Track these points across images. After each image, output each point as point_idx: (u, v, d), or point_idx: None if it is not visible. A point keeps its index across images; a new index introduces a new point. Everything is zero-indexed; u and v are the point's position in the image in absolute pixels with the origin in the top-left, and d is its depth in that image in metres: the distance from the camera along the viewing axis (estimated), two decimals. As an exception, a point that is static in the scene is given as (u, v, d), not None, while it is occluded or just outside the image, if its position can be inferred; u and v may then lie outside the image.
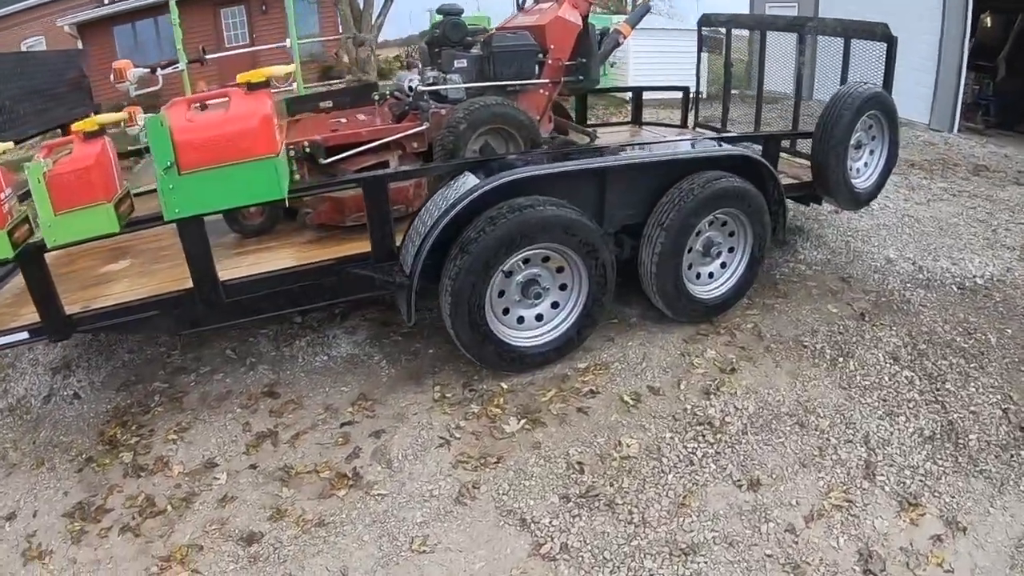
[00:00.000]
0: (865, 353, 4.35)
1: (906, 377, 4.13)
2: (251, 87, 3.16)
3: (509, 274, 3.93)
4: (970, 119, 11.85)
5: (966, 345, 4.43)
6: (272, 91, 3.34)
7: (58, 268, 3.84)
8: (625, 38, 6.43)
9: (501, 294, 3.95)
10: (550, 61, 5.11)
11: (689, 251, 4.45)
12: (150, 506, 3.35)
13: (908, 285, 5.26)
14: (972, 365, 4.23)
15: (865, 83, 5.05)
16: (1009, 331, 4.61)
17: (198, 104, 3.19)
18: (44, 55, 5.95)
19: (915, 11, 11.67)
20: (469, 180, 3.79)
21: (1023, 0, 11.05)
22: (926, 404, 3.92)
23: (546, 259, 4.00)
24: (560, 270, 4.08)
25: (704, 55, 7.33)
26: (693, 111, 7.35)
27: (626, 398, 4.00)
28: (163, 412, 4.05)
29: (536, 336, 4.13)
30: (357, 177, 3.96)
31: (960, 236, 6.38)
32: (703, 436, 3.70)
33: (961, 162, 9.78)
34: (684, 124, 7.41)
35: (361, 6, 16.81)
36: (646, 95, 7.55)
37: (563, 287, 4.14)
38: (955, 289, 5.25)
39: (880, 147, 5.30)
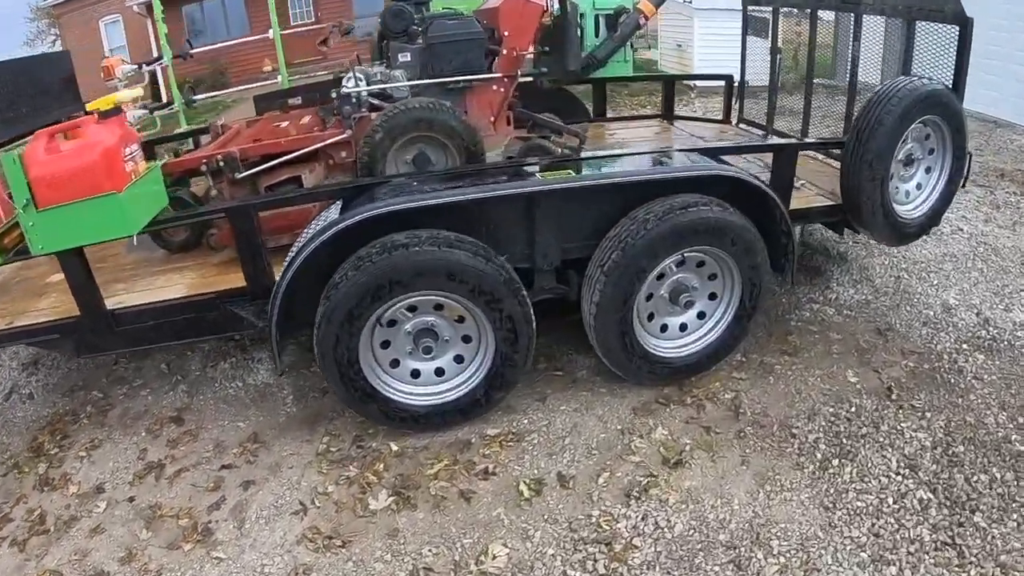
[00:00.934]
0: (873, 455, 3.18)
1: (920, 499, 2.94)
2: (102, 116, 3.07)
3: (393, 323, 3.22)
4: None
5: (1023, 450, 3.22)
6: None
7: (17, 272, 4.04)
8: (647, 19, 5.48)
9: (386, 344, 3.27)
10: (504, 51, 4.20)
11: (649, 298, 3.46)
12: (41, 523, 3.24)
13: (964, 346, 4.00)
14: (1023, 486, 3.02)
15: (921, 78, 3.83)
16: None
17: (62, 133, 3.06)
18: (30, 59, 5.67)
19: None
20: (332, 213, 3.21)
21: None
22: (936, 550, 2.72)
23: (439, 307, 3.24)
24: (460, 320, 3.30)
25: (758, 40, 6.11)
26: (738, 103, 6.21)
27: (524, 487, 3.09)
28: (88, 424, 3.91)
29: (435, 394, 3.39)
30: (221, 207, 3.58)
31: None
32: (592, 562, 2.71)
33: (1062, 173, 8.19)
34: (727, 119, 6.31)
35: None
36: (699, 83, 6.45)
37: (467, 339, 3.36)
38: (1026, 355, 3.99)
39: (940, 163, 4.00)
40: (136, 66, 5.12)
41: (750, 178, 3.39)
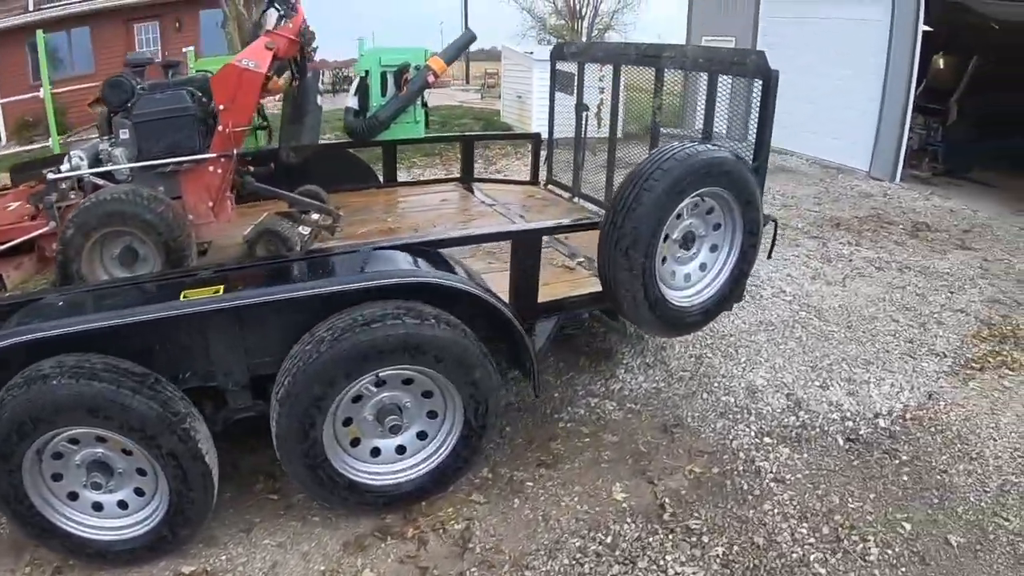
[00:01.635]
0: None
1: None
2: None
3: (60, 455, 2.74)
4: (916, 166, 10.40)
5: (823, 573, 2.67)
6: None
7: None
8: (437, 76, 4.93)
9: (58, 477, 2.79)
10: (219, 127, 3.63)
11: (348, 422, 2.80)
12: None
13: (766, 439, 3.50)
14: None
15: (699, 145, 3.31)
16: (907, 527, 2.89)
17: None
18: None
19: (860, 47, 10.29)
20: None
21: (978, 42, 9.65)
22: None
23: (102, 439, 2.73)
24: (127, 452, 2.76)
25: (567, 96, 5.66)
26: (546, 163, 5.77)
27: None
28: None
29: (118, 529, 2.87)
30: None
31: (874, 337, 4.69)
32: None
33: (898, 219, 8.18)
34: (535, 180, 5.85)
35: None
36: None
37: (141, 472, 2.79)
38: (840, 443, 3.51)
39: (729, 239, 3.44)
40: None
41: (453, 282, 2.80)
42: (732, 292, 3.46)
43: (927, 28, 9.38)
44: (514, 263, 3.02)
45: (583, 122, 5.24)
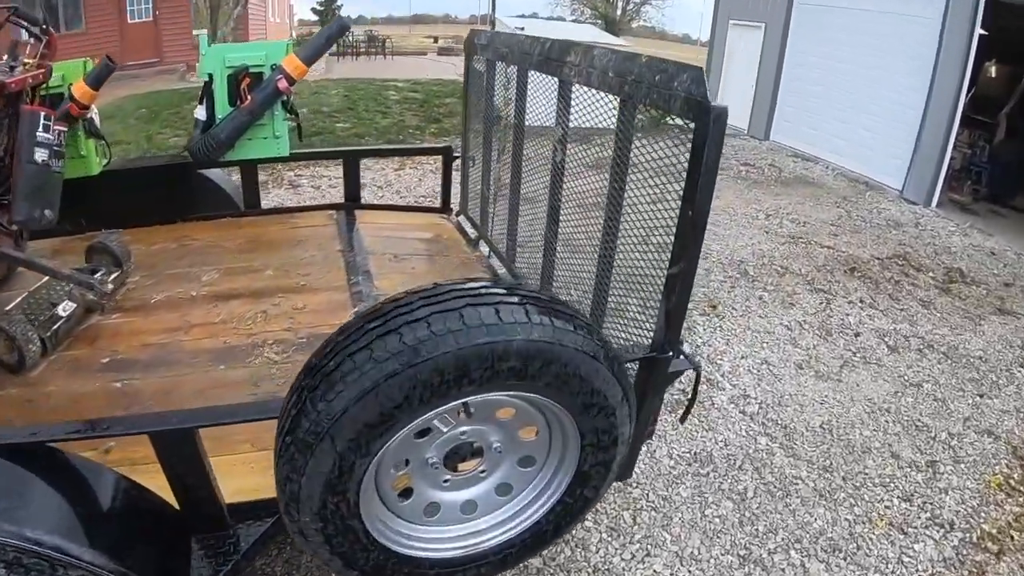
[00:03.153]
0: None
1: None
2: None
3: None
4: (956, 189, 8.84)
5: None
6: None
7: None
8: (293, 81, 3.77)
9: None
10: None
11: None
12: None
13: None
14: None
15: (489, 291, 1.59)
16: None
17: None
18: None
19: (904, 45, 8.73)
20: None
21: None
22: None
23: None
24: None
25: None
26: (461, 185, 4.53)
27: None
28: None
29: None
30: None
31: (857, 491, 3.32)
32: None
33: (929, 262, 6.72)
34: (445, 207, 4.58)
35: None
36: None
37: None
38: None
39: (555, 455, 1.91)
40: None
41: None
42: (562, 525, 2.03)
43: (983, 32, 7.77)
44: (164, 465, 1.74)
45: (490, 139, 3.95)
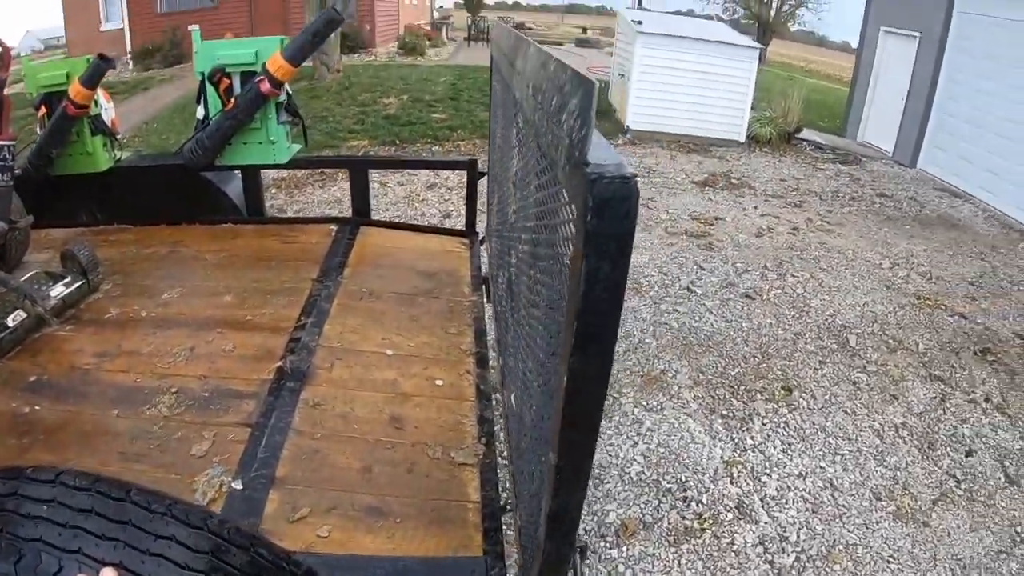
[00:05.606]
0: None
1: None
2: None
3: None
4: None
5: None
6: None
7: None
8: (280, 86, 3.35)
9: None
10: None
11: None
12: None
13: None
14: None
15: None
16: None
17: None
18: None
19: None
20: None
21: None
22: None
23: None
24: None
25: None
26: (488, 206, 3.86)
27: None
28: None
29: None
30: None
31: None
32: None
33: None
34: (471, 228, 4.01)
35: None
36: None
37: None
38: None
39: None
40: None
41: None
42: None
43: None
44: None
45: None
